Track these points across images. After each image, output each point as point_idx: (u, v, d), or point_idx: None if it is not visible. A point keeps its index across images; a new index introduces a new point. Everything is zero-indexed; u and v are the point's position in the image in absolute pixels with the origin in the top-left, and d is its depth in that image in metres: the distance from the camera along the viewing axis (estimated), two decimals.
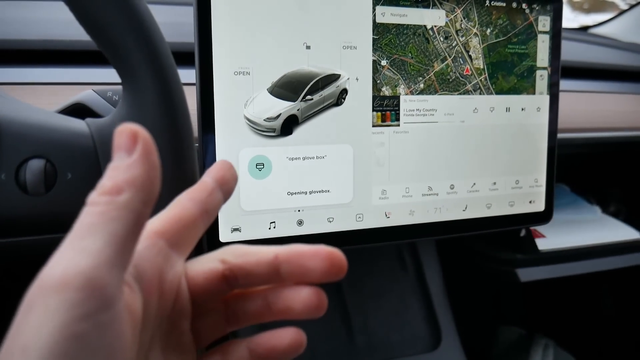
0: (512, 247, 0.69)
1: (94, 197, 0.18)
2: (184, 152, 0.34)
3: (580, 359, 0.77)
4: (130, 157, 0.18)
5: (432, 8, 0.48)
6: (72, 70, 0.51)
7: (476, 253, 0.74)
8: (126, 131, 0.18)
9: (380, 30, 0.46)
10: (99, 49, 0.32)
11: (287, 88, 0.44)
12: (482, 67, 0.51)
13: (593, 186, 0.92)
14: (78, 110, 0.40)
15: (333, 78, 0.45)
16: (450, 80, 0.50)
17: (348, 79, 0.46)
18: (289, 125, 0.44)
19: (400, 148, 0.48)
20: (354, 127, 0.46)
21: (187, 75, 0.42)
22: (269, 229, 0.44)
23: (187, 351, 0.23)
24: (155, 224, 0.21)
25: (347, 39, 0.45)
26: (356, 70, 0.46)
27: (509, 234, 0.70)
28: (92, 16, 0.30)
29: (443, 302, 0.74)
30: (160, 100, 0.32)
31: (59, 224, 0.31)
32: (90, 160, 0.33)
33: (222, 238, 0.43)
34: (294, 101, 0.44)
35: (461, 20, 0.49)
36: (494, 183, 0.53)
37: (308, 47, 0.44)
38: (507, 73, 0.52)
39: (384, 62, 0.47)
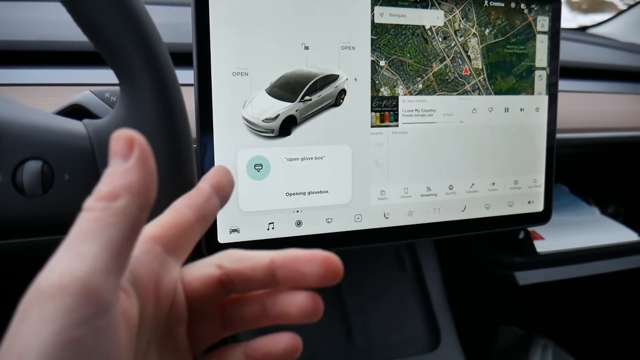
0: (511, 250, 0.69)
1: (90, 202, 0.18)
2: (182, 153, 0.34)
3: (579, 359, 0.77)
4: (126, 162, 0.18)
5: (430, 8, 0.48)
6: (69, 72, 0.51)
7: (475, 255, 0.74)
8: (122, 137, 0.18)
9: (378, 30, 0.46)
10: (96, 49, 0.32)
11: (285, 89, 0.44)
12: (480, 67, 0.51)
13: (592, 187, 0.92)
14: (75, 111, 0.40)
15: (331, 78, 0.45)
16: (449, 80, 0.50)
17: (346, 79, 0.46)
18: (287, 126, 0.44)
19: (399, 148, 0.48)
20: (352, 128, 0.46)
21: (185, 76, 0.42)
22: (268, 229, 0.44)
23: (184, 356, 0.23)
24: (152, 229, 0.21)
25: (346, 39, 0.45)
26: (355, 71, 0.46)
27: (507, 236, 0.70)
28: (89, 17, 0.30)
29: (442, 303, 0.74)
30: (157, 101, 0.32)
31: (57, 226, 0.31)
32: (88, 162, 0.33)
33: (221, 239, 0.43)
34: (293, 102, 0.44)
35: (460, 21, 0.49)
36: (493, 183, 0.53)
37: (306, 48, 0.44)
38: (506, 73, 0.52)
39: (382, 63, 0.47)
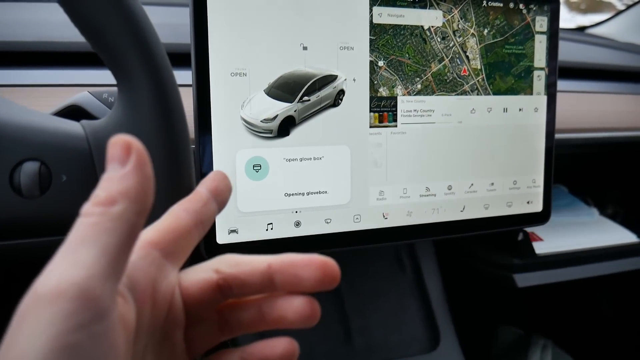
0: (510, 251, 0.69)
1: (87, 207, 0.18)
2: (180, 154, 0.34)
3: (578, 359, 0.77)
4: (123, 168, 0.18)
5: (429, 8, 0.48)
6: (68, 72, 0.51)
7: (473, 256, 0.74)
8: (120, 142, 0.18)
9: (377, 30, 0.46)
10: (93, 50, 0.32)
11: (284, 89, 0.44)
12: (479, 67, 0.51)
13: (591, 187, 0.92)
14: (73, 112, 0.40)
15: (330, 79, 0.45)
16: (448, 80, 0.50)
17: (345, 79, 0.45)
18: (286, 127, 0.44)
19: (398, 149, 0.48)
20: (351, 128, 0.46)
21: (184, 77, 0.42)
22: (267, 230, 0.44)
23: None
24: (150, 234, 0.21)
25: (344, 39, 0.45)
26: (353, 71, 0.46)
27: (506, 238, 0.70)
28: (87, 17, 0.30)
29: (441, 303, 0.74)
30: (155, 101, 0.32)
31: (55, 227, 0.31)
32: (85, 162, 0.33)
33: (220, 240, 0.43)
34: (291, 102, 0.44)
35: (458, 21, 0.49)
36: (492, 184, 0.53)
37: (305, 48, 0.44)
38: (505, 73, 0.52)
39: (381, 63, 0.47)
